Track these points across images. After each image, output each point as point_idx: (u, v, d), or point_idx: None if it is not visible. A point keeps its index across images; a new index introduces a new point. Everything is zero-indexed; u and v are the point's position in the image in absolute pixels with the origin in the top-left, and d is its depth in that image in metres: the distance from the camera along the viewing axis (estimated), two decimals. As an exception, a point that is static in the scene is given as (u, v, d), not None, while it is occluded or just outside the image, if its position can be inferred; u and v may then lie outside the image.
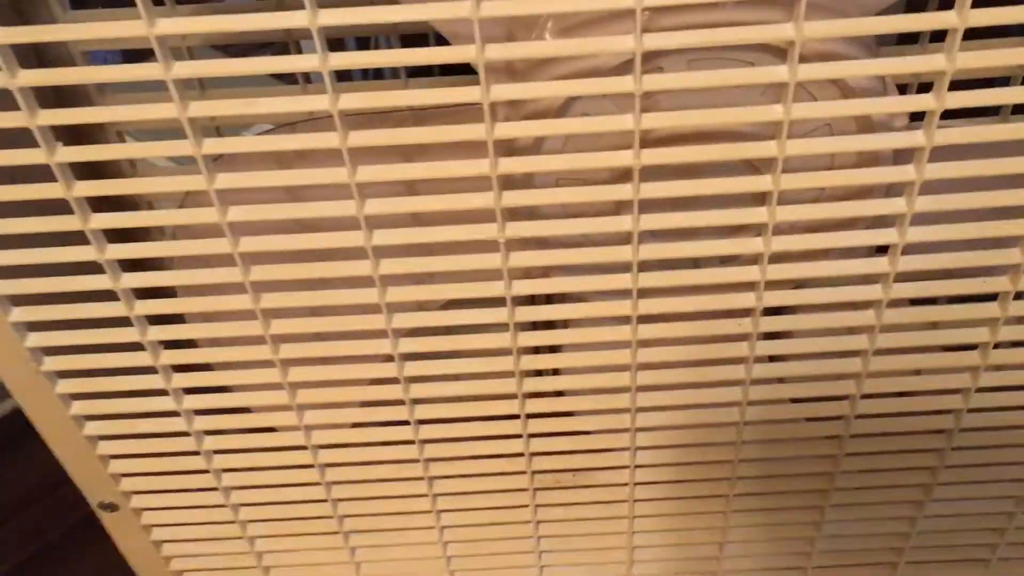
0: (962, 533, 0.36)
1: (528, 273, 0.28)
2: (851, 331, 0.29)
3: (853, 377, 0.30)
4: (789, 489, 0.35)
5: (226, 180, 0.25)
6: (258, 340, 0.29)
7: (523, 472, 0.34)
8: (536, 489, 0.34)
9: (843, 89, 0.26)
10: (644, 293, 0.28)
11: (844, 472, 0.34)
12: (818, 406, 0.32)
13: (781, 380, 0.31)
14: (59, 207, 0.25)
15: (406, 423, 0.32)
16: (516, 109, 0.26)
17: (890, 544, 0.37)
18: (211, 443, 0.32)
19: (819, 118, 0.26)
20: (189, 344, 0.30)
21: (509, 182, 0.26)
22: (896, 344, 0.29)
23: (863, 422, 0.32)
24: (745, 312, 0.28)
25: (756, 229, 0.27)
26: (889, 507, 0.35)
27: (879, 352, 0.29)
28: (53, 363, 0.29)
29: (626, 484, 0.34)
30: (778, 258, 0.27)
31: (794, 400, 0.32)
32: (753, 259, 0.27)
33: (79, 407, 0.30)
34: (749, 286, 0.28)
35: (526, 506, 0.35)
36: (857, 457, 0.33)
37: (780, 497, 0.35)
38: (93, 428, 0.31)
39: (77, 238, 0.26)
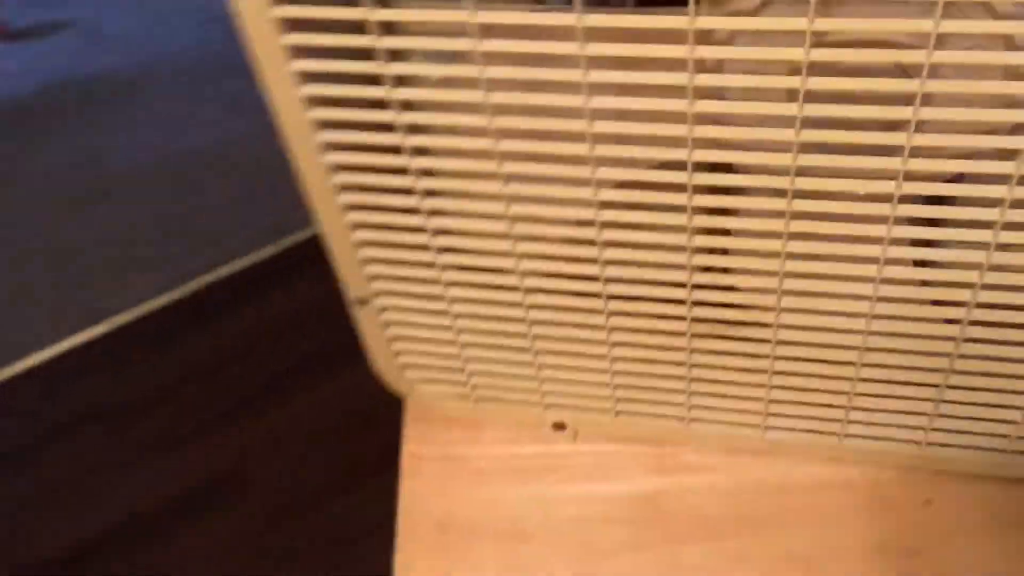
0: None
1: (707, 143, 0.35)
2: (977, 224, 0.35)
3: (977, 268, 0.36)
4: (912, 365, 0.41)
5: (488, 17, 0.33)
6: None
7: (683, 318, 0.41)
8: (692, 335, 0.42)
9: (991, 12, 0.31)
10: (802, 172, 0.34)
11: (962, 356, 0.39)
12: (944, 291, 0.37)
13: (915, 263, 0.37)
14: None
15: (595, 260, 0.40)
16: (719, 7, 0.33)
17: (999, 428, 0.42)
18: (442, 243, 0.41)
19: (967, 33, 0.31)
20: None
21: (701, 68, 0.33)
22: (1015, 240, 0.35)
23: (983, 311, 0.37)
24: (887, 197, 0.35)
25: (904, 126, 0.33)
26: (1002, 395, 0.41)
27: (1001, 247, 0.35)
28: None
29: (769, 341, 0.41)
30: (921, 152, 0.33)
31: (924, 283, 0.38)
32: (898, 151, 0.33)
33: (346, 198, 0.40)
34: (892, 175, 0.34)
35: (683, 349, 0.43)
36: (975, 343, 0.39)
37: (904, 372, 0.41)
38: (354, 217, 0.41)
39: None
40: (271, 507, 1.05)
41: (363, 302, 0.45)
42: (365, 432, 1.09)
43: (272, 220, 1.41)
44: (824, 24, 0.30)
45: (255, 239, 1.39)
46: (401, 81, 0.35)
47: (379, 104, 0.36)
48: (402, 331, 0.46)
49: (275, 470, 1.10)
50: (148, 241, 1.44)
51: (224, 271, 1.35)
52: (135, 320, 1.29)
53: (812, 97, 0.32)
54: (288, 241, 1.38)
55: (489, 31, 0.33)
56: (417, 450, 0.50)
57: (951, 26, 0.30)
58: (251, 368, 1.23)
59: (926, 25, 0.30)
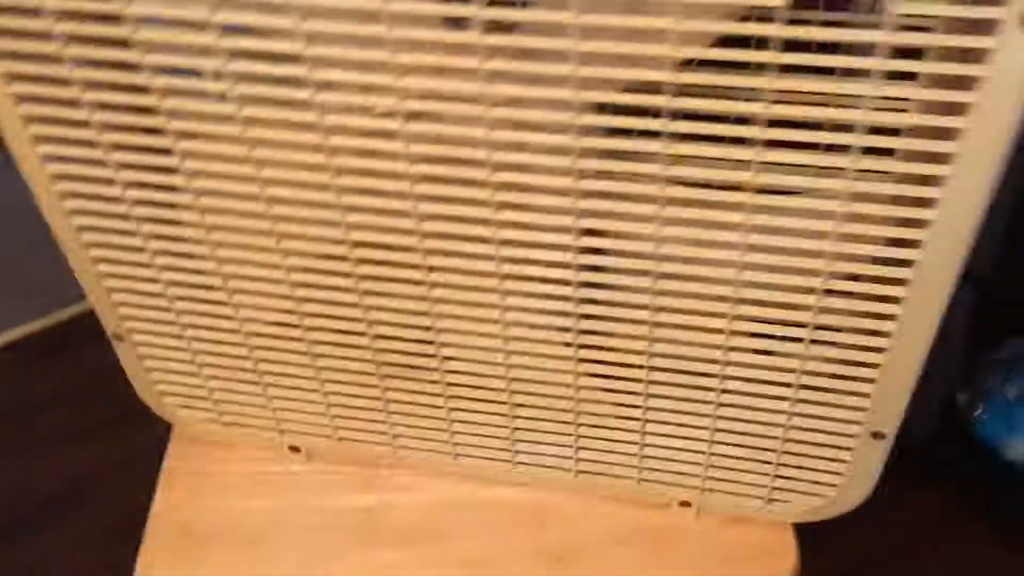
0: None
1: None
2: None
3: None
4: (553, 407, 0.51)
5: None
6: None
7: (371, 361, 0.51)
8: (383, 375, 0.52)
9: None
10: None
11: (583, 401, 0.50)
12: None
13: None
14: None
15: (294, 312, 0.49)
16: None
17: (630, 461, 0.52)
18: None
19: None
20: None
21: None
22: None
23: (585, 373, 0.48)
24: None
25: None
26: (629, 434, 0.51)
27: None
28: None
29: (439, 382, 0.51)
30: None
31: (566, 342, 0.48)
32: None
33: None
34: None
35: (378, 386, 0.52)
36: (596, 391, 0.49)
37: (549, 412, 0.51)
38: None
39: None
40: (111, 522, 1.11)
41: (119, 337, 0.54)
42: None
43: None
44: (426, 146, 0.40)
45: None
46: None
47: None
48: (155, 364, 0.55)
49: (121, 489, 1.16)
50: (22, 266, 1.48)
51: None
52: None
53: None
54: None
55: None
56: (173, 465, 0.59)
57: None
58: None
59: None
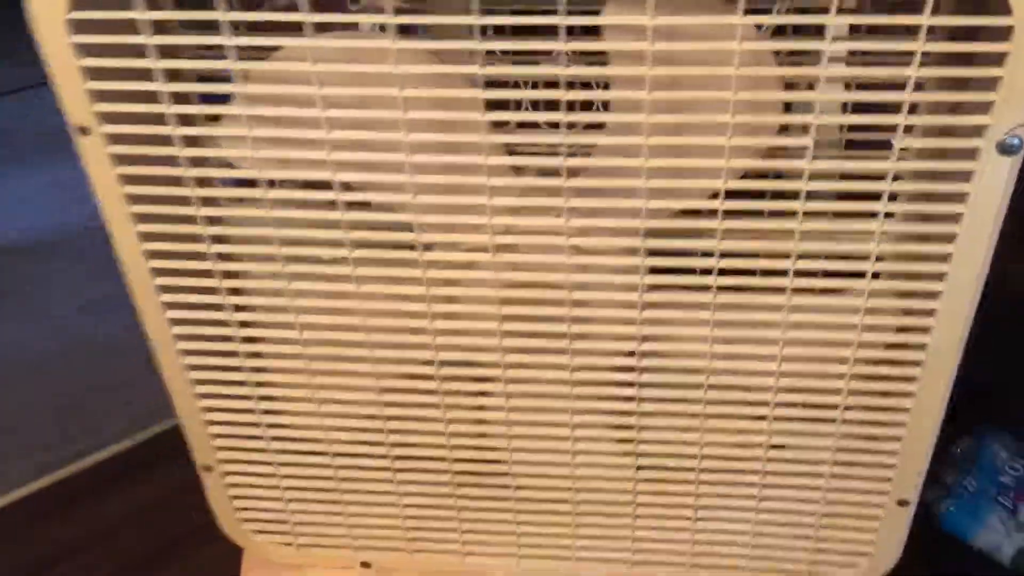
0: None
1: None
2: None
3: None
4: (607, 512, 0.57)
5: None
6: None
7: (448, 484, 0.57)
8: (457, 496, 0.57)
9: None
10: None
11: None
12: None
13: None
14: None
15: (382, 444, 0.55)
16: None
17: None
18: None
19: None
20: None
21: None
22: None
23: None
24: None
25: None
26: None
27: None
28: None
29: (511, 499, 0.57)
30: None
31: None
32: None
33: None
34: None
35: (453, 508, 0.58)
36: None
37: (605, 518, 0.57)
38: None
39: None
40: None
41: (208, 468, 0.59)
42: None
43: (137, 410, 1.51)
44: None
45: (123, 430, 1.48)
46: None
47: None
48: (240, 492, 0.60)
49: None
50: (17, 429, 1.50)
51: (91, 460, 1.43)
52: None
53: (510, 319, 0.49)
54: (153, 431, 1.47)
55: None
56: (253, 589, 0.63)
57: (586, 276, 0.48)
58: (126, 545, 1.30)
59: (571, 276, 0.48)
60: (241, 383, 0.54)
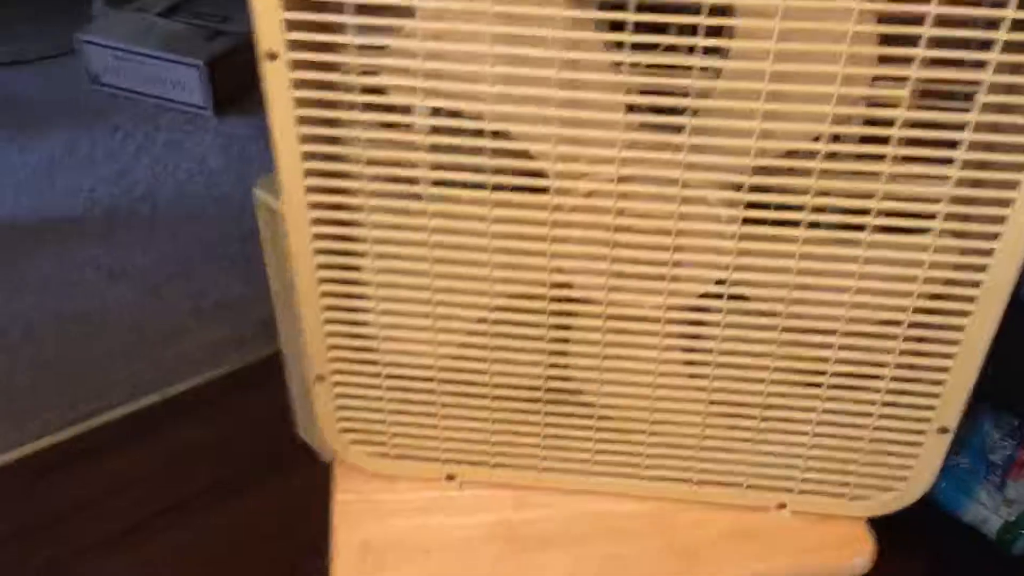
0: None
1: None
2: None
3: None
4: (677, 432, 0.64)
5: None
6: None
7: (539, 400, 0.64)
8: (545, 412, 0.64)
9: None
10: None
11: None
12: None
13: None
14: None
15: (484, 360, 0.62)
16: None
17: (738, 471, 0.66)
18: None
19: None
20: None
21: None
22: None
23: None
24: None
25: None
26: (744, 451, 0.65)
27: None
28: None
29: (592, 416, 0.64)
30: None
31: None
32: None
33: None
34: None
35: (539, 423, 0.65)
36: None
37: (673, 438, 0.64)
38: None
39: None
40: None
41: (321, 378, 0.65)
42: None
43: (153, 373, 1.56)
44: (625, 205, 0.55)
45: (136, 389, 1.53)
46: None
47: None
48: (347, 402, 0.66)
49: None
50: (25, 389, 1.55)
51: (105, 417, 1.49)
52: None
53: (619, 246, 0.57)
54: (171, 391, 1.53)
55: (436, 198, 0.56)
56: (345, 497, 0.69)
57: (691, 210, 0.55)
58: (133, 502, 1.35)
59: (678, 209, 0.55)
60: (364, 297, 0.61)
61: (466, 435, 0.67)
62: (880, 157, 0.51)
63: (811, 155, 0.52)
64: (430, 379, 0.64)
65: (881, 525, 1.16)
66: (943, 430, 0.61)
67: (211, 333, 1.62)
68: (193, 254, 1.75)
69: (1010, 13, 0.46)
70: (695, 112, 0.52)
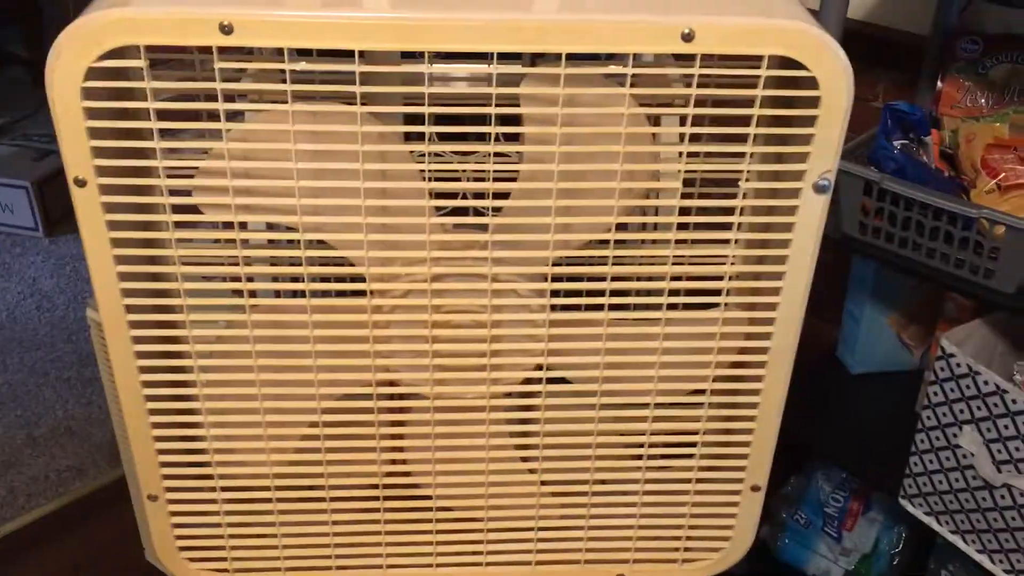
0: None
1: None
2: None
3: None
4: (512, 516, 0.66)
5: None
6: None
7: (378, 510, 0.65)
8: (385, 520, 0.65)
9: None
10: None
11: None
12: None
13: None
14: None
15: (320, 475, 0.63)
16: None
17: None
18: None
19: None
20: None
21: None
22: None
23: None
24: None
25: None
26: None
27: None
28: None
29: (431, 521, 0.66)
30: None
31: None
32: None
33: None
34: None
35: (379, 533, 0.66)
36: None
37: (514, 523, 0.67)
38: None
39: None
40: None
41: (153, 498, 0.64)
42: None
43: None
44: (440, 302, 0.58)
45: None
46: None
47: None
48: (182, 520, 0.65)
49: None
50: None
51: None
52: None
53: (439, 341, 0.59)
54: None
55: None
56: (186, 618, 0.68)
57: (503, 302, 0.58)
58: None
59: (491, 302, 0.58)
60: (194, 411, 0.61)
61: (307, 541, 0.67)
62: (665, 242, 0.56)
63: (604, 245, 0.56)
64: (267, 488, 0.65)
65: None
66: (755, 488, 0.66)
67: (49, 462, 1.55)
68: (26, 380, 1.68)
69: (757, 111, 0.52)
70: (497, 210, 0.56)
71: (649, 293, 0.58)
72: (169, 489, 0.64)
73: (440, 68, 0.51)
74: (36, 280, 1.91)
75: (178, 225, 0.55)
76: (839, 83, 0.51)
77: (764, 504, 1.26)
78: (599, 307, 0.59)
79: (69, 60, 0.49)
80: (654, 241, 0.57)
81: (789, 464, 1.32)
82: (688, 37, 0.50)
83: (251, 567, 0.68)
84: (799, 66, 0.51)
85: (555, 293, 0.58)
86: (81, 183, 0.53)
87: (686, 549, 0.69)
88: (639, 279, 0.58)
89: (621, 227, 0.57)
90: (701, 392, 0.62)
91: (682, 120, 0.52)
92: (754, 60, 0.51)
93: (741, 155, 0.53)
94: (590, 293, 0.59)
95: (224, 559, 0.67)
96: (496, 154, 0.54)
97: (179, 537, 0.66)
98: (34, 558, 1.41)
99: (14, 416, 1.63)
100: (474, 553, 0.68)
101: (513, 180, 0.56)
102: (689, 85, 0.51)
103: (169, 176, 0.53)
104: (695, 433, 0.64)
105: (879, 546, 1.25)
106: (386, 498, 0.66)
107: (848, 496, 1.27)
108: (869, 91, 1.23)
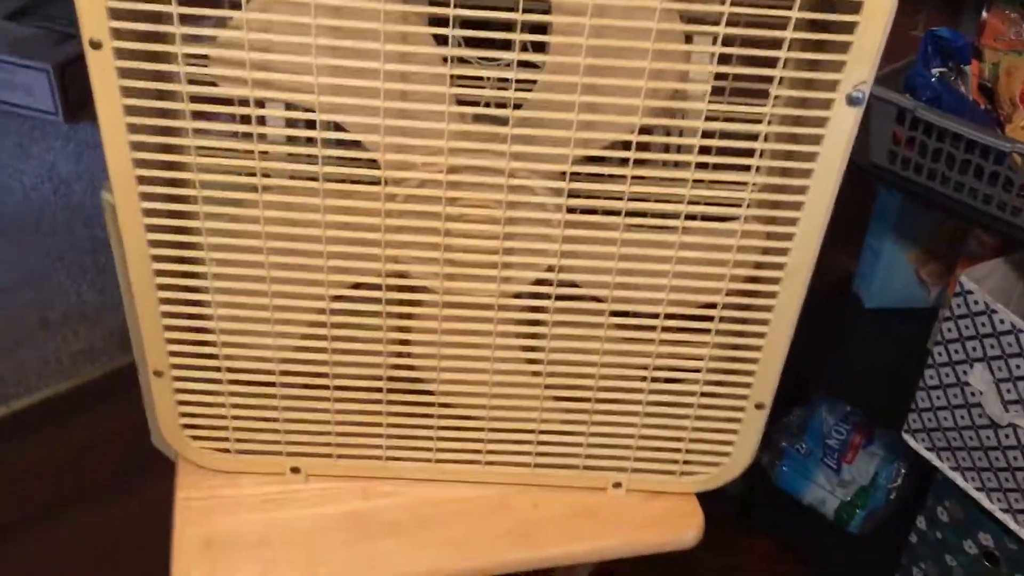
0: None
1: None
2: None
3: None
4: (517, 417, 0.66)
5: None
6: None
7: (380, 389, 0.65)
8: (387, 401, 0.66)
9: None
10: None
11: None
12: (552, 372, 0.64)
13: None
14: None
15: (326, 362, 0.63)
16: None
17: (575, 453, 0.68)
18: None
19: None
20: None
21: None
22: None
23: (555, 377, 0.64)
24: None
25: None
26: (576, 434, 0.67)
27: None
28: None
29: (434, 404, 0.66)
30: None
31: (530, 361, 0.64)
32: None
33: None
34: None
35: (381, 412, 0.66)
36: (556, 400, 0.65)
37: (513, 423, 0.67)
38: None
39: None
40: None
41: (159, 373, 0.64)
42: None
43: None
44: (455, 195, 0.57)
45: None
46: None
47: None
48: (187, 397, 0.66)
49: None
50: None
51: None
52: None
53: (451, 235, 0.58)
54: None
55: (269, 189, 0.57)
56: (188, 494, 0.69)
57: (519, 199, 0.57)
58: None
59: (506, 198, 0.57)
60: (202, 289, 0.61)
61: (309, 427, 0.67)
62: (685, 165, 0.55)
63: (625, 159, 0.55)
64: (271, 372, 0.65)
65: (729, 508, 1.22)
66: (759, 406, 0.65)
67: (61, 345, 1.57)
68: (41, 263, 1.69)
69: (795, 14, 0.50)
70: (518, 105, 0.54)
71: (665, 214, 0.57)
72: (175, 366, 0.64)
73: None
74: (54, 164, 1.90)
75: (193, 99, 0.54)
76: (883, -13, 0.49)
77: (765, 431, 1.27)
78: (615, 213, 0.57)
79: (87, -87, 0.48)
80: (676, 163, 0.56)
81: (794, 394, 1.32)
82: (729, -70, 0.48)
83: (254, 448, 0.68)
84: (841, -31, 0.49)
85: (573, 195, 0.57)
86: (96, 45, 0.51)
87: (685, 462, 0.69)
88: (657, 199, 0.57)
89: (643, 147, 0.55)
90: (712, 306, 0.61)
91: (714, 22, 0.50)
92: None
93: (774, 61, 0.52)
94: (607, 198, 0.57)
95: (227, 439, 0.68)
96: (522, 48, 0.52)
97: (183, 415, 0.66)
98: (42, 437, 1.44)
99: (28, 298, 1.64)
100: (474, 451, 0.68)
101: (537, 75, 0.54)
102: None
103: (186, 44, 0.52)
104: (704, 346, 0.63)
105: (877, 480, 1.26)
106: (389, 390, 0.66)
107: (851, 429, 1.28)
108: (909, 19, 1.19)
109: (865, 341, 1.23)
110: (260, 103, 0.54)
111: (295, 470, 0.70)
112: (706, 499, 0.71)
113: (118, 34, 0.51)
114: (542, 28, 0.53)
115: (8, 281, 1.66)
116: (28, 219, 1.79)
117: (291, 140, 0.61)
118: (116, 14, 0.51)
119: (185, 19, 0.52)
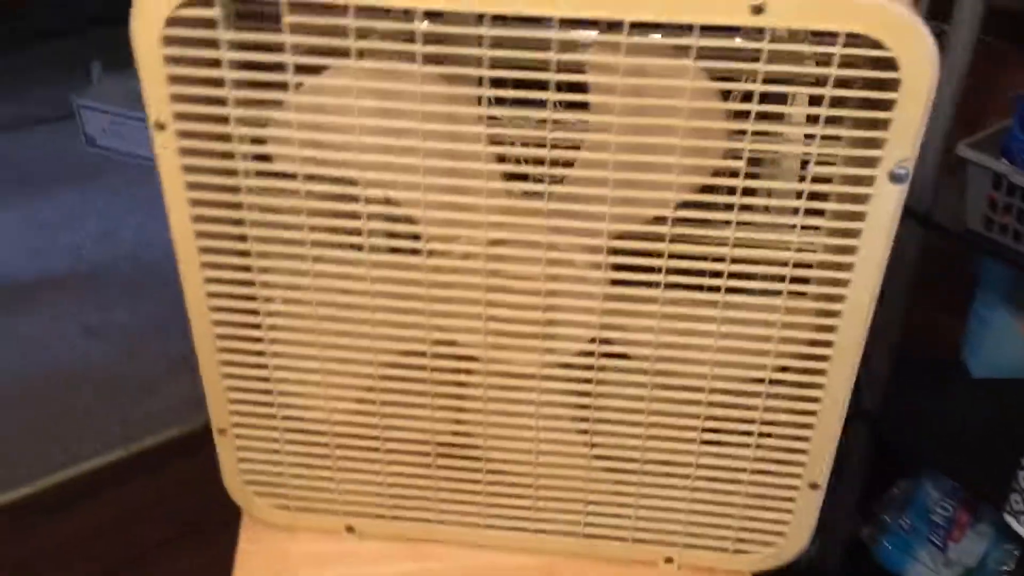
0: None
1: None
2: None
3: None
4: (565, 487, 0.66)
5: (318, 266, 0.60)
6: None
7: (428, 453, 0.66)
8: (437, 466, 0.67)
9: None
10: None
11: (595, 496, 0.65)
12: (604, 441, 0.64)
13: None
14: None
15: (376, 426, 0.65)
16: None
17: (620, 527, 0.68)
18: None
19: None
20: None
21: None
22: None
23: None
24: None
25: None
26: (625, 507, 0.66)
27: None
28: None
29: (481, 471, 0.66)
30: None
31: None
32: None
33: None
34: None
35: (431, 476, 0.67)
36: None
37: (561, 492, 0.67)
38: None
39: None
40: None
41: (222, 431, 0.67)
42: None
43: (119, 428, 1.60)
44: (497, 267, 0.58)
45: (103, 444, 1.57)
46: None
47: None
48: (246, 455, 0.68)
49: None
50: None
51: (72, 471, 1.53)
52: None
53: (494, 305, 0.59)
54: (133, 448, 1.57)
55: (319, 259, 0.59)
56: (248, 547, 0.71)
57: (560, 272, 0.58)
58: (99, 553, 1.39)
59: (547, 270, 0.58)
60: (260, 353, 0.63)
61: (362, 487, 0.69)
62: (726, 223, 0.54)
63: (664, 222, 0.55)
64: (325, 433, 0.67)
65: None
66: (814, 486, 0.63)
67: (181, 390, 1.66)
68: (172, 312, 1.80)
69: (833, 71, 0.49)
70: (559, 180, 0.55)
71: (706, 274, 0.56)
72: (236, 424, 0.67)
73: (498, 33, 0.51)
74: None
75: (255, 173, 0.57)
76: (922, 65, 0.48)
77: (866, 505, 1.22)
78: (655, 284, 0.57)
79: (150, 8, 0.52)
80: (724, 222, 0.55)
81: (897, 465, 1.26)
82: (758, 9, 0.48)
83: (311, 506, 0.70)
84: (878, 45, 0.48)
85: (615, 267, 0.57)
86: (161, 126, 0.55)
87: (738, 539, 0.67)
88: (696, 259, 0.56)
89: (689, 206, 0.55)
90: (760, 381, 0.60)
91: (745, 97, 0.50)
92: (828, 36, 0.49)
93: (811, 137, 0.51)
94: (650, 270, 0.57)
95: (285, 495, 0.70)
96: (558, 122, 0.53)
97: (244, 471, 0.69)
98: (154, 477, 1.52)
99: (158, 346, 1.76)
100: (522, 519, 0.69)
101: (577, 150, 0.55)
102: (756, 60, 0.49)
103: (242, 125, 0.55)
104: (751, 422, 0.62)
105: (986, 562, 1.18)
106: (439, 455, 0.67)
107: (957, 505, 1.21)
108: (1018, 75, 1.14)
109: (970, 412, 1.17)
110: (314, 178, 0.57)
111: (350, 529, 0.71)
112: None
113: (180, 117, 0.55)
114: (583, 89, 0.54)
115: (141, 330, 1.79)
116: (167, 271, 1.91)
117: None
118: (177, 99, 0.54)
119: (246, 86, 0.55)
